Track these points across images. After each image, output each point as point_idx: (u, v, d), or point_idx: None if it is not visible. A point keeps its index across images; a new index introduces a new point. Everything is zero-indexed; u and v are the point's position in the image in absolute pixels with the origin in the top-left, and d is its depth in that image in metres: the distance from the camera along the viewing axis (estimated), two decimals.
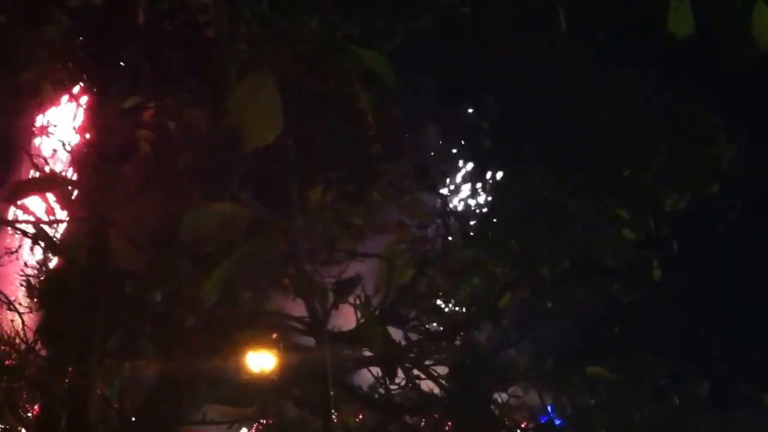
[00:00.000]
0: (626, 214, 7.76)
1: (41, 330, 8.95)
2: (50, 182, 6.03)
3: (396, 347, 6.73)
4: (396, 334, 7.35)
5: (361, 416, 8.66)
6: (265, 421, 8.82)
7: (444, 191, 9.72)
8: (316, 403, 6.86)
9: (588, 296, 7.46)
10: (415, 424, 7.66)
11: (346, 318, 7.02)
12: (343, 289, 5.26)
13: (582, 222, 7.55)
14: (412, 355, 7.25)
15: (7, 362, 10.45)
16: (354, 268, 8.09)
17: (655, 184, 7.89)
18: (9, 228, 8.10)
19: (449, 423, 7.89)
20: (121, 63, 7.10)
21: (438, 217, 9.01)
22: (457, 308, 8.47)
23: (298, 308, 6.90)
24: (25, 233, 7.72)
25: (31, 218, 7.66)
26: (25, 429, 10.09)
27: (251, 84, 3.20)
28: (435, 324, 8.05)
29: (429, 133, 9.71)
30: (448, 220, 8.95)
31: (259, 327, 7.24)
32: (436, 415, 7.66)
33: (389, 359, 6.19)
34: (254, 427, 10.16)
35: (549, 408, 8.12)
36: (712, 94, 8.31)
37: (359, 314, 6.52)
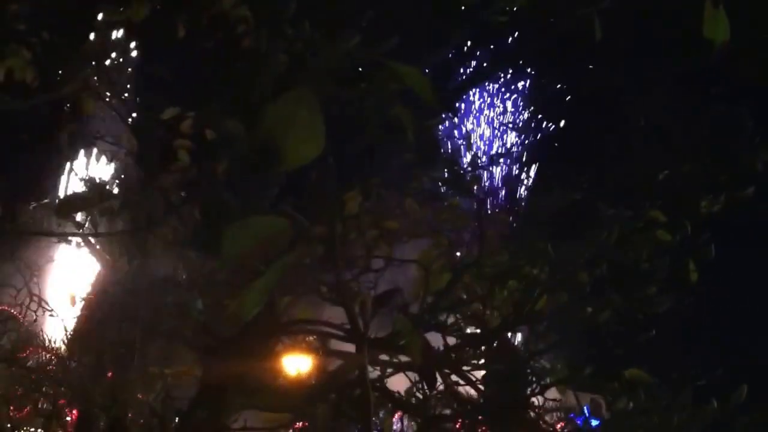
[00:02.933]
0: (662, 216, 7.75)
1: (82, 337, 9.10)
2: (97, 197, 6.16)
3: (435, 355, 6.77)
4: (433, 338, 7.41)
5: (399, 416, 8.72)
6: (300, 424, 8.92)
7: (479, 195, 9.72)
8: (355, 410, 6.95)
9: (625, 300, 7.46)
10: (452, 429, 7.70)
11: (383, 322, 7.10)
12: (383, 299, 5.33)
13: (618, 225, 7.56)
14: (450, 361, 7.29)
15: (48, 368, 10.65)
16: (390, 274, 8.17)
17: (690, 187, 7.90)
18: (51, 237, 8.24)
19: (484, 427, 7.92)
20: (162, 76, 7.25)
21: (473, 221, 9.04)
22: (494, 313, 8.48)
23: (334, 315, 6.98)
24: (68, 242, 7.88)
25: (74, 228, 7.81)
26: None
27: (290, 103, 3.22)
28: (472, 329, 8.08)
29: (467, 137, 9.75)
30: (483, 224, 8.97)
31: (297, 333, 7.34)
32: (473, 420, 7.69)
33: (428, 366, 6.25)
34: None
35: (585, 409, 8.13)
36: (746, 97, 8.32)
37: (396, 321, 6.58)
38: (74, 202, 6.12)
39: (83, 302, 8.60)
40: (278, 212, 4.75)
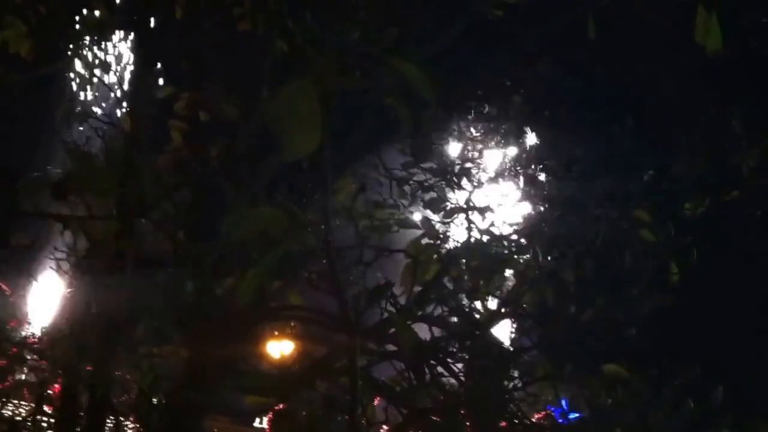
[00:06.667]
0: (647, 216, 7.83)
1: (68, 311, 9.14)
2: (92, 178, 6.20)
3: (424, 346, 6.85)
4: (419, 329, 7.47)
5: (377, 402, 8.78)
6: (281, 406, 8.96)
7: (468, 187, 9.78)
8: (342, 398, 7.02)
9: (609, 299, 7.54)
10: (433, 420, 7.77)
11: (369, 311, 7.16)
12: (377, 293, 5.42)
13: (605, 226, 7.64)
14: (436, 353, 7.36)
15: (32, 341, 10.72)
16: (380, 263, 8.23)
17: (675, 188, 7.98)
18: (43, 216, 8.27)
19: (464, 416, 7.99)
20: (159, 55, 7.28)
21: (461, 212, 9.09)
22: (479, 305, 8.54)
23: (322, 300, 7.04)
24: (56, 219, 7.89)
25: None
26: (49, 408, 10.34)
27: (291, 95, 3.28)
28: (457, 321, 8.14)
29: (456, 131, 9.79)
30: (471, 216, 9.03)
31: (286, 319, 7.40)
32: (455, 410, 7.76)
33: (417, 358, 6.33)
34: (271, 413, 10.31)
35: (564, 402, 8.20)
36: (734, 102, 8.38)
37: (385, 311, 6.67)
38: (68, 183, 6.17)
39: (69, 281, 8.63)
40: (274, 203, 4.82)
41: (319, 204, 4.12)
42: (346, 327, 4.29)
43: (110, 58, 7.74)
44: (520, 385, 7.55)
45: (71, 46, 7.41)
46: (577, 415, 7.99)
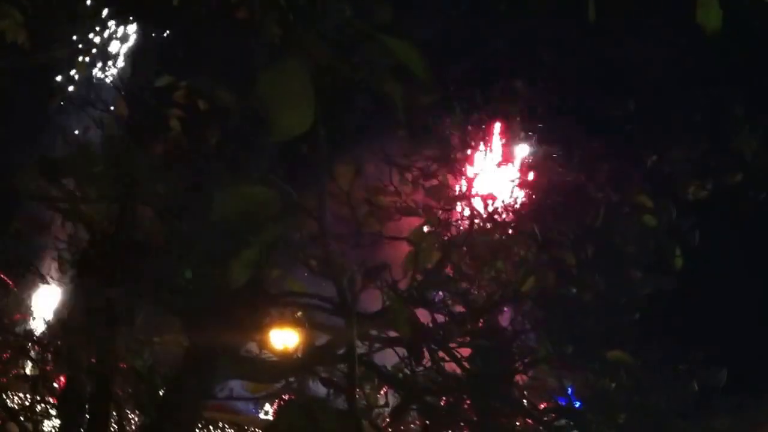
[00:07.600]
0: (649, 201, 7.79)
1: (68, 302, 9.12)
2: (84, 161, 6.16)
3: (422, 330, 6.83)
4: (421, 315, 7.46)
5: (384, 392, 8.78)
6: (286, 396, 8.98)
7: (470, 174, 9.74)
8: (342, 382, 7.01)
9: (610, 283, 7.50)
10: (436, 404, 7.76)
11: (372, 298, 7.15)
12: (372, 273, 5.39)
13: (605, 209, 7.60)
14: (437, 337, 7.35)
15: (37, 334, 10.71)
16: (380, 250, 8.22)
17: (678, 173, 7.95)
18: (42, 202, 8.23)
19: (468, 402, 7.98)
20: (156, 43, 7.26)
21: (463, 200, 9.06)
22: (481, 291, 8.53)
23: (324, 288, 7.03)
24: (56, 208, 7.87)
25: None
26: (53, 399, 10.33)
27: (281, 73, 3.22)
28: (459, 307, 8.13)
29: (456, 116, 9.74)
30: (472, 203, 9.00)
31: (285, 305, 7.37)
32: (457, 396, 7.75)
33: (416, 342, 6.30)
34: (276, 403, 10.34)
35: (569, 390, 8.18)
36: (737, 85, 8.34)
37: (385, 297, 6.65)
38: (60, 165, 6.14)
39: (72, 268, 8.61)
40: (267, 182, 4.79)
41: (316, 187, 4.08)
42: (344, 312, 4.25)
43: (107, 46, 7.68)
44: (521, 368, 7.54)
45: (68, 34, 7.38)
46: (580, 403, 7.98)
